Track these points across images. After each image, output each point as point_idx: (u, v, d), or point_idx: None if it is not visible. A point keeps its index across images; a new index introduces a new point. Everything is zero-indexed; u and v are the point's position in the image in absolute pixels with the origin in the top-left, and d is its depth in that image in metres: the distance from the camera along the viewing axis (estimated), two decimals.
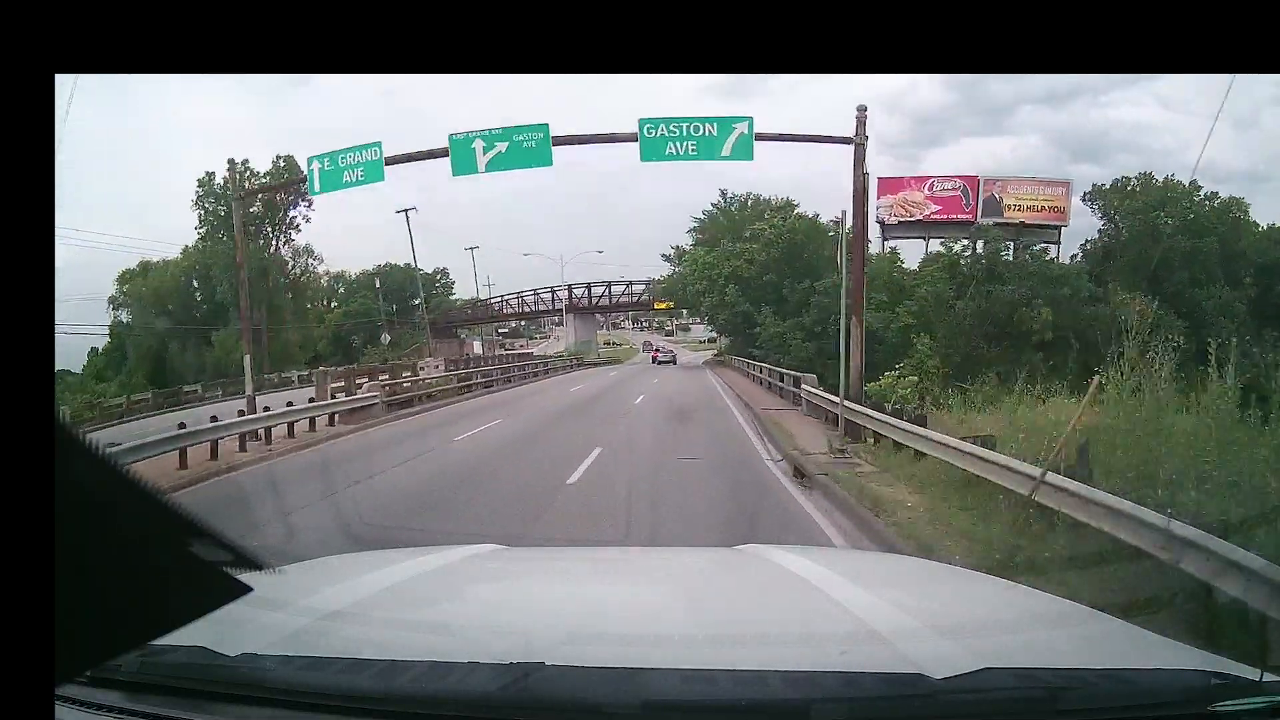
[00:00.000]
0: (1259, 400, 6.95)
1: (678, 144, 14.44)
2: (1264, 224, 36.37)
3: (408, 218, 48.38)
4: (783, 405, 19.43)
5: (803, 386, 17.73)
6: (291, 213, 52.59)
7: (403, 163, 15.66)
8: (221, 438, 12.45)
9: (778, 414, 17.00)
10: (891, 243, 38.89)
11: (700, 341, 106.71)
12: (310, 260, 56.69)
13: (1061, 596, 2.18)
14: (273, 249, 52.22)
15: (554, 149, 14.70)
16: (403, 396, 21.54)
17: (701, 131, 14.47)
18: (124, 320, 47.53)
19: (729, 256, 36.78)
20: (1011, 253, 33.97)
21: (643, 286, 57.51)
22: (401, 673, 1.18)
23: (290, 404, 15.61)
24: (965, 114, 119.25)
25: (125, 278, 48.27)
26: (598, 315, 67.38)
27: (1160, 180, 36.42)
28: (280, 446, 13.96)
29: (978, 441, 7.73)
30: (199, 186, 49.58)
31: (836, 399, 13.47)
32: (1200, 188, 35.26)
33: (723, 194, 49.06)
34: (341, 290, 62.77)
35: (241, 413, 14.16)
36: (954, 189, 38.38)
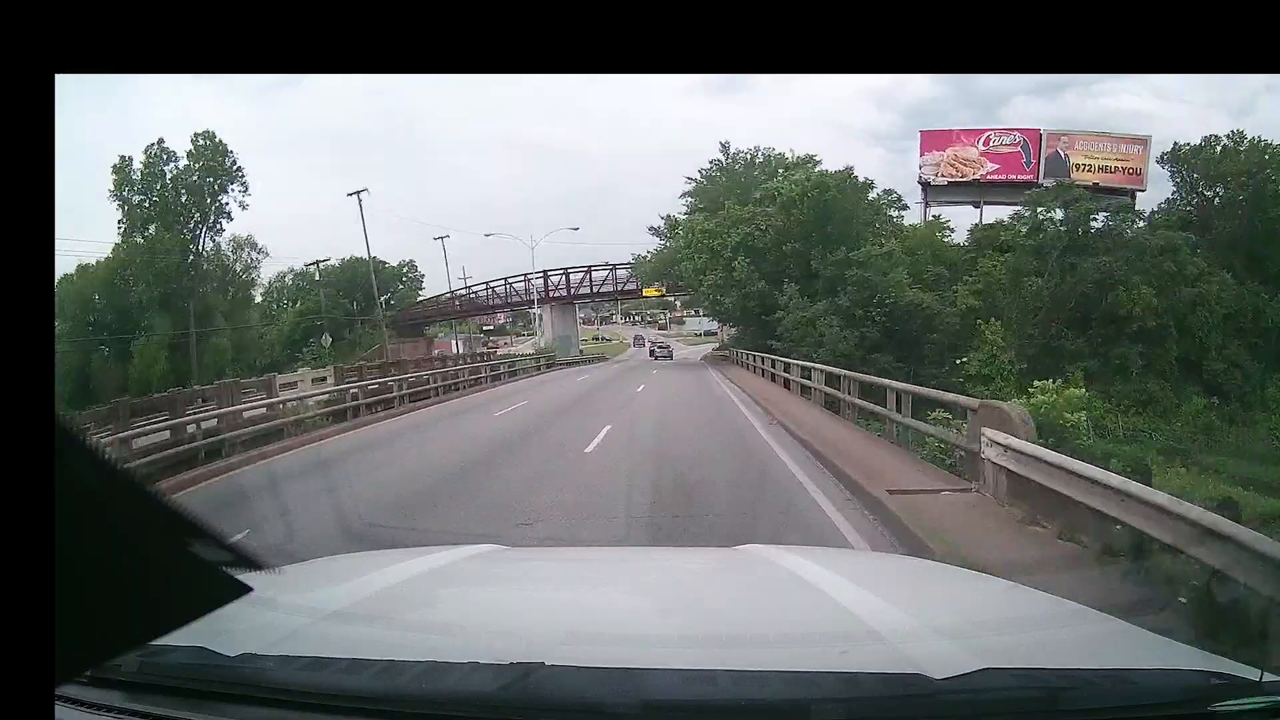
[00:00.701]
0: None
1: None
2: None
3: (360, 201, 43.13)
4: (850, 433, 11.32)
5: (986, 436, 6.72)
6: (223, 198, 45.15)
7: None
8: None
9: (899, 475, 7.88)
10: (934, 210, 32.86)
11: (696, 335, 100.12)
12: (254, 253, 49.71)
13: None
14: (200, 242, 45.18)
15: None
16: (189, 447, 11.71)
17: None
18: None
19: (736, 222, 29.28)
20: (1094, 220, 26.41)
21: (627, 272, 49.41)
22: (401, 673, 1.18)
23: None
24: (958, 107, 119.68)
25: (63, 283, 41.49)
26: (577, 306, 59.47)
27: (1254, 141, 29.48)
28: None
29: None
30: (114, 174, 42.98)
31: (1018, 441, 6.18)
32: None
33: (724, 148, 39.67)
34: (297, 286, 56.62)
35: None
36: (1013, 143, 32.45)
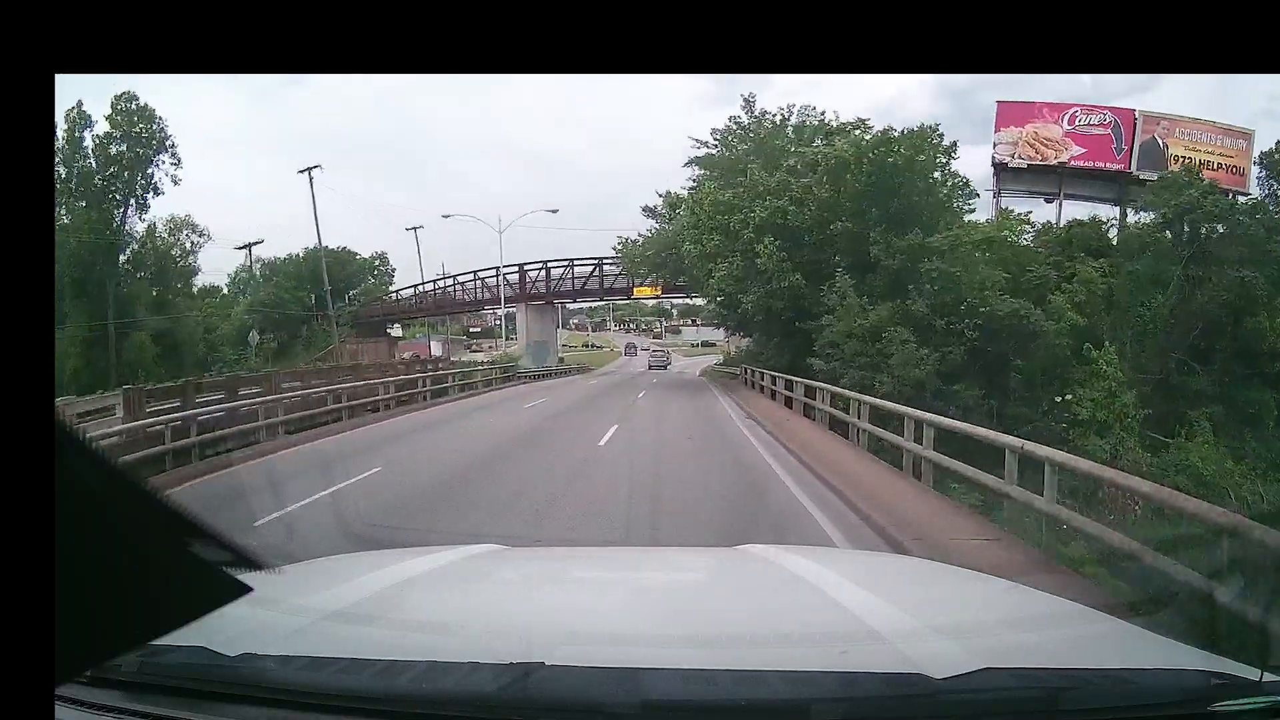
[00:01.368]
0: None
1: None
2: None
3: (310, 178, 38.43)
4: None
5: None
6: (151, 170, 37.86)
7: None
8: None
9: None
10: (1004, 202, 25.84)
11: (694, 345, 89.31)
12: (194, 237, 43.16)
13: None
14: (122, 220, 38.17)
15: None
16: None
17: None
18: None
19: (763, 194, 21.09)
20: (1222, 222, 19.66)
21: (616, 268, 41.48)
22: (401, 673, 1.18)
23: None
24: (957, 123, 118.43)
25: None
26: (559, 308, 50.99)
27: None
28: None
29: None
30: None
31: None
32: None
33: (747, 104, 29.47)
34: (264, 277, 50.43)
35: None
36: (1102, 124, 26.37)
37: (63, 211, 35.47)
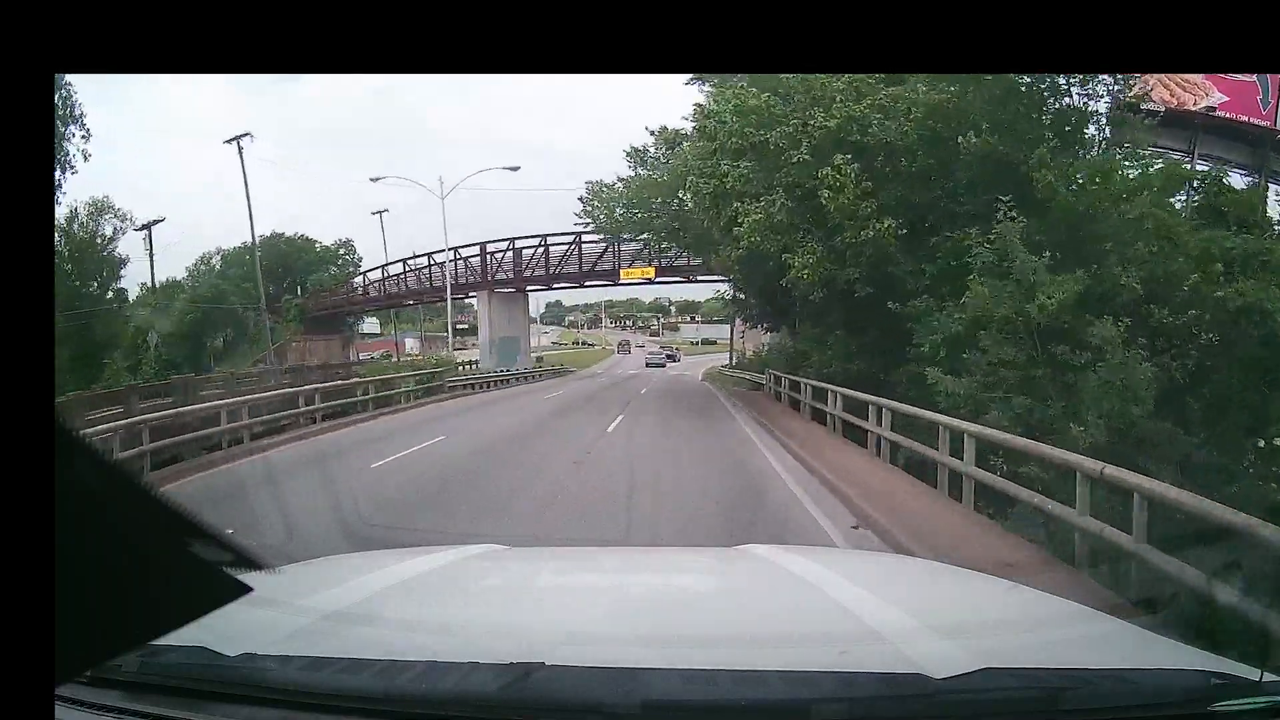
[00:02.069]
0: None
1: None
2: None
3: (240, 149, 32.76)
4: None
5: None
6: (64, 144, 31.03)
7: None
8: None
9: None
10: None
11: (693, 343, 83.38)
12: (117, 222, 37.18)
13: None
14: None
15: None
16: None
17: None
18: None
19: (825, 98, 12.33)
20: None
21: (600, 248, 34.45)
22: (401, 673, 1.18)
23: None
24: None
25: None
26: (529, 297, 42.07)
27: None
28: None
29: None
30: None
31: None
32: None
33: None
34: (224, 270, 44.65)
35: None
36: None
37: None
